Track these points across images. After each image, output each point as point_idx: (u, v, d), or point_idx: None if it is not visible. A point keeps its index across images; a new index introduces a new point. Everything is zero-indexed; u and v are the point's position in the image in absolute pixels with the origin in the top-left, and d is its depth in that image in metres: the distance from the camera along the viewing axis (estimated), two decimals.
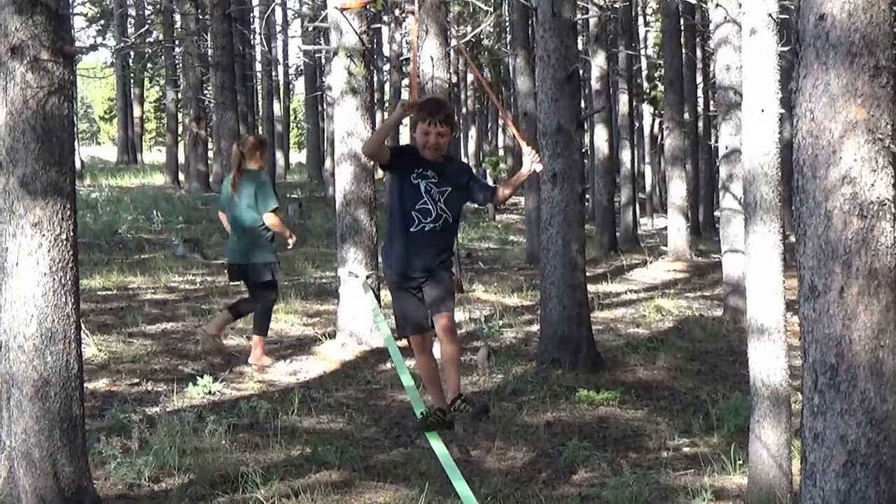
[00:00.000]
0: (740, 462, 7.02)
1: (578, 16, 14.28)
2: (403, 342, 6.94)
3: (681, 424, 8.47)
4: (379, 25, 26.29)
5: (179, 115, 33.49)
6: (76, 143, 4.72)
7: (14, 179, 5.29)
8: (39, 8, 5.14)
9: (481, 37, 24.92)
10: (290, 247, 10.10)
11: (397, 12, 24.00)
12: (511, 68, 22.45)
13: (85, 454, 5.59)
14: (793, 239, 4.34)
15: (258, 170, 9.27)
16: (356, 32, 10.08)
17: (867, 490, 3.83)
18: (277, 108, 38.92)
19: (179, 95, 32.20)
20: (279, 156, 36.75)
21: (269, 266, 9.11)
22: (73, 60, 6.02)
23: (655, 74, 25.30)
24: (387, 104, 35.35)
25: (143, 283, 14.10)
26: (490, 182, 5.88)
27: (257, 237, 9.01)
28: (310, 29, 27.40)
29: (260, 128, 34.27)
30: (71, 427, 5.46)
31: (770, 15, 6.67)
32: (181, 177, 31.51)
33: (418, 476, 6.39)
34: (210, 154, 28.24)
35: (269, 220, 8.96)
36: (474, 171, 5.84)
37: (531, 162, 5.57)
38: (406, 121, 6.48)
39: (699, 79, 23.52)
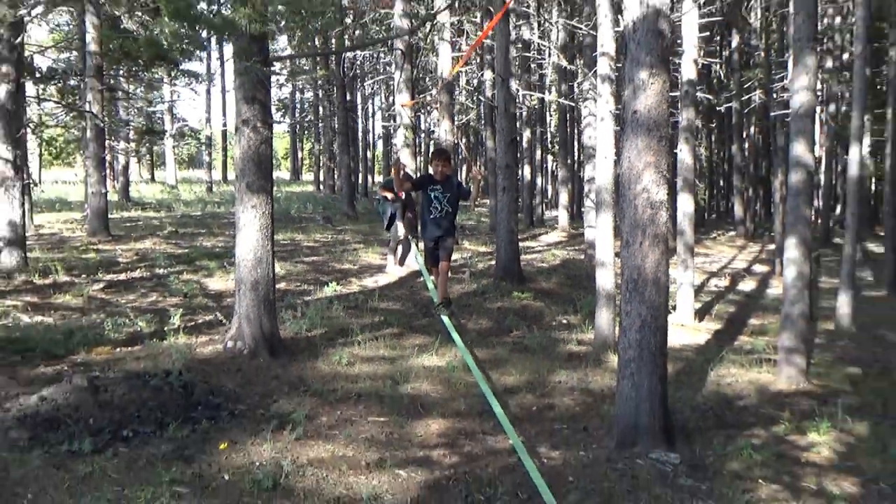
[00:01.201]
0: (591, 327, 11.44)
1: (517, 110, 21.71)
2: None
3: (562, 309, 13.68)
4: (420, 113, 42.54)
5: (321, 157, 50.57)
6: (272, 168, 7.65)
7: (243, 184, 8.56)
8: (257, 102, 8.60)
9: (469, 121, 41.10)
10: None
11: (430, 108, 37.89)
12: (483, 136, 34.89)
13: (275, 317, 9.32)
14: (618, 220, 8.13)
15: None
16: (409, 117, 17.99)
17: (650, 338, 6.80)
18: (369, 155, 57.53)
19: (321, 146, 49.61)
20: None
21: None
22: (271, 127, 9.00)
23: (554, 140, 38.01)
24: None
25: (302, 238, 21.97)
26: (470, 188, 10.16)
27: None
28: (386, 114, 43.61)
29: (360, 165, 51.82)
30: (269, 304, 8.96)
31: (610, 111, 11.92)
32: (321, 186, 48.97)
33: (435, 332, 10.68)
34: (334, 176, 43.50)
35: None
36: (463, 184, 10.10)
37: (480, 179, 9.88)
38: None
39: (576, 142, 35.41)
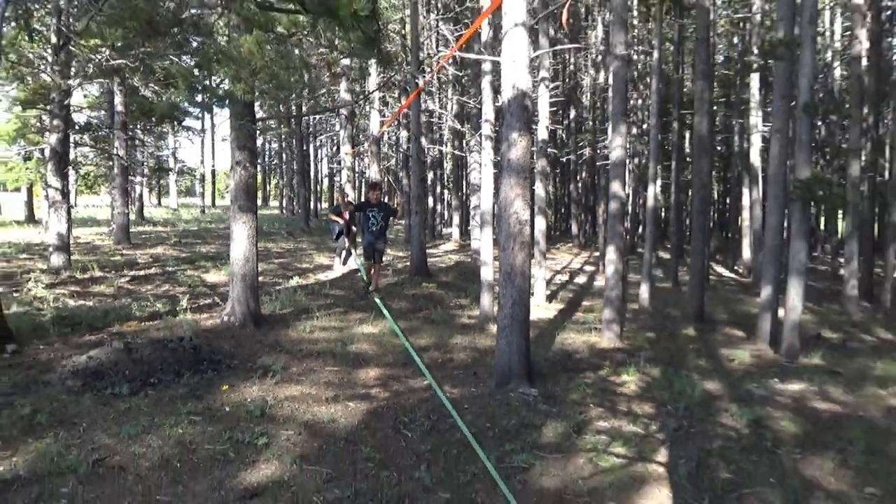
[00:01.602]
0: (477, 307, 11.43)
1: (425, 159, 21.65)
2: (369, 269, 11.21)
3: (457, 295, 13.38)
4: (357, 158, 41.61)
5: (284, 189, 51.19)
6: (256, 196, 7.49)
7: (236, 206, 8.29)
8: (246, 149, 8.38)
9: (390, 166, 38.58)
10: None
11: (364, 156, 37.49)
12: (400, 175, 32.54)
13: (258, 300, 9.08)
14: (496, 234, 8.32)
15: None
16: (350, 161, 17.64)
17: (518, 312, 7.00)
18: (319, 188, 51.98)
19: (284, 181, 50.71)
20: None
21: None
22: (256, 167, 8.85)
23: (449, 179, 35.28)
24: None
25: (272, 246, 21.23)
26: (396, 209, 11.03)
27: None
28: (332, 159, 44.77)
29: (312, 195, 48.53)
30: (254, 290, 8.70)
31: (490, 159, 11.99)
32: (283, 210, 48.67)
33: (370, 310, 10.47)
34: (294, 203, 43.11)
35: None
36: (389, 206, 10.44)
37: (397, 205, 10.06)
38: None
39: (464, 181, 32.41)
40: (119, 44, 7.29)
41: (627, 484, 4.71)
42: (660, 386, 7.27)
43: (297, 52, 8.17)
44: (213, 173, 51.74)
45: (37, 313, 8.57)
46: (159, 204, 52.18)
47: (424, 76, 16.81)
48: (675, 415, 6.23)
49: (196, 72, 6.96)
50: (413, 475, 4.64)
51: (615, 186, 9.79)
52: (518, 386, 6.76)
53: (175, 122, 29.34)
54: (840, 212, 26.24)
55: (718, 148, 30.77)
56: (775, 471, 5.04)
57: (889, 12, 16.32)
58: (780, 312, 10.04)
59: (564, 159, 32.75)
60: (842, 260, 19.11)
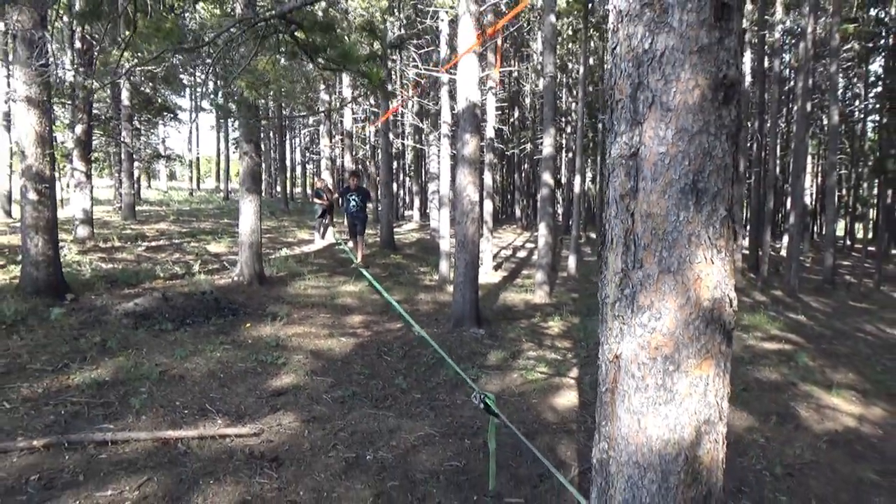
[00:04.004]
0: (436, 272, 12.27)
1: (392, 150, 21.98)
2: (348, 243, 12.10)
3: (420, 264, 14.06)
4: (333, 150, 40.26)
5: (263, 175, 45.95)
6: (260, 180, 7.94)
7: (244, 188, 9.06)
8: (252, 141, 9.12)
9: (360, 157, 36.41)
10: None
11: (340, 147, 37.74)
12: (369, 164, 32.74)
13: (262, 263, 9.64)
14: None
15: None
16: (329, 152, 17.45)
17: (469, 272, 7.97)
18: (296, 175, 49.47)
19: (263, 167, 45.00)
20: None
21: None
22: (261, 156, 9.75)
23: (411, 168, 35.67)
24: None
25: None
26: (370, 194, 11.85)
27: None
28: (306, 149, 43.66)
29: (290, 182, 47.52)
30: (258, 256, 9.27)
31: (448, 153, 12.94)
32: (264, 193, 42.06)
33: (354, 278, 11.10)
34: (275, 187, 42.08)
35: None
36: (370, 193, 11.20)
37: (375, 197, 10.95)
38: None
39: (423, 170, 32.54)
40: (150, 57, 7.97)
41: (547, 390, 5.83)
42: (577, 329, 8.43)
43: (301, 68, 8.93)
44: (198, 160, 51.35)
45: (77, 273, 9.25)
46: (149, 186, 51.47)
47: (393, 84, 17.56)
48: (585, 347, 7.37)
49: (215, 81, 7.71)
50: (394, 382, 5.68)
51: (545, 176, 10.92)
52: (470, 327, 7.82)
53: (172, 114, 29.51)
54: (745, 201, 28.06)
55: None
56: None
57: (773, 39, 17.80)
58: None
59: (510, 153, 33.88)
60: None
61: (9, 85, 13.63)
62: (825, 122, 26.02)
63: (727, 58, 1.61)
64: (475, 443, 4.38)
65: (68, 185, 20.74)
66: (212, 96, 8.05)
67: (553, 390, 5.80)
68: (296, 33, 4.04)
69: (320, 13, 8.03)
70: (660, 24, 1.60)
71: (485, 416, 4.57)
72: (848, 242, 30.92)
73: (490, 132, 15.51)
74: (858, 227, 32.18)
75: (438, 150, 16.79)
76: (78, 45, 11.80)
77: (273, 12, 3.90)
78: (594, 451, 1.87)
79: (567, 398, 5.59)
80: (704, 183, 1.61)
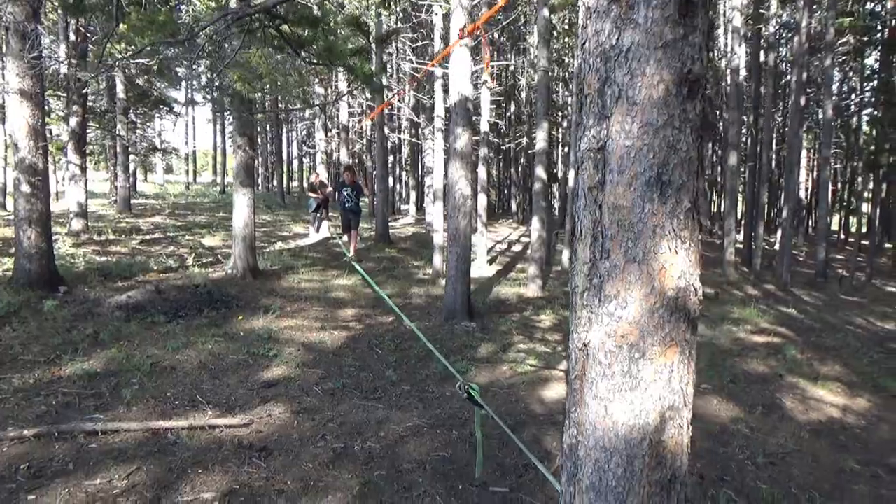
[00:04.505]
0: (430, 266, 12.28)
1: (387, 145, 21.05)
2: (342, 237, 12.08)
3: (414, 258, 14.04)
4: (329, 143, 40.58)
5: (259, 168, 47.03)
6: (254, 173, 8.04)
7: (238, 181, 8.96)
8: (246, 135, 9.13)
9: (356, 151, 36.38)
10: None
11: (336, 142, 37.00)
12: (365, 158, 33.02)
13: (255, 256, 9.64)
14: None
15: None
16: (324, 146, 16.72)
17: (461, 265, 8.05)
18: (293, 169, 49.98)
19: (259, 160, 47.26)
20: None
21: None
22: (255, 149, 9.83)
23: (407, 162, 34.15)
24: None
25: (255, 217, 20.04)
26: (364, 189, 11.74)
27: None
28: (302, 142, 42.61)
29: (286, 176, 47.77)
30: (252, 249, 9.28)
31: (442, 147, 12.80)
32: (260, 187, 44.20)
33: (343, 267, 11.21)
34: (271, 181, 42.01)
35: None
36: (364, 189, 11.17)
37: (364, 185, 11.00)
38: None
39: (419, 164, 33.14)
40: (144, 49, 7.98)
41: (536, 382, 5.89)
42: (568, 322, 8.47)
43: (294, 62, 8.94)
44: (194, 154, 51.37)
45: (71, 265, 9.27)
46: (146, 180, 51.43)
47: (389, 77, 17.54)
48: None
49: (209, 74, 7.73)
50: (384, 374, 5.74)
51: (539, 170, 10.96)
52: (461, 321, 7.88)
53: (168, 108, 29.47)
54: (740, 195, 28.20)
55: None
56: None
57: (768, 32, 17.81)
58: None
59: (505, 147, 33.87)
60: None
61: (2, 77, 13.64)
62: (820, 116, 26.11)
63: (692, 53, 1.65)
64: (462, 434, 4.44)
65: (63, 178, 20.70)
66: (206, 89, 8.03)
67: (542, 382, 5.86)
68: (281, 27, 4.07)
69: (316, 7, 8.04)
70: (626, 21, 1.64)
71: (472, 408, 4.63)
72: (842, 236, 31.03)
73: (485, 126, 15.54)
74: (853, 221, 32.30)
75: (434, 144, 16.85)
76: (72, 37, 11.78)
77: (258, 5, 3.92)
78: (564, 437, 1.92)
79: (555, 390, 5.65)
80: (669, 175, 1.65)
